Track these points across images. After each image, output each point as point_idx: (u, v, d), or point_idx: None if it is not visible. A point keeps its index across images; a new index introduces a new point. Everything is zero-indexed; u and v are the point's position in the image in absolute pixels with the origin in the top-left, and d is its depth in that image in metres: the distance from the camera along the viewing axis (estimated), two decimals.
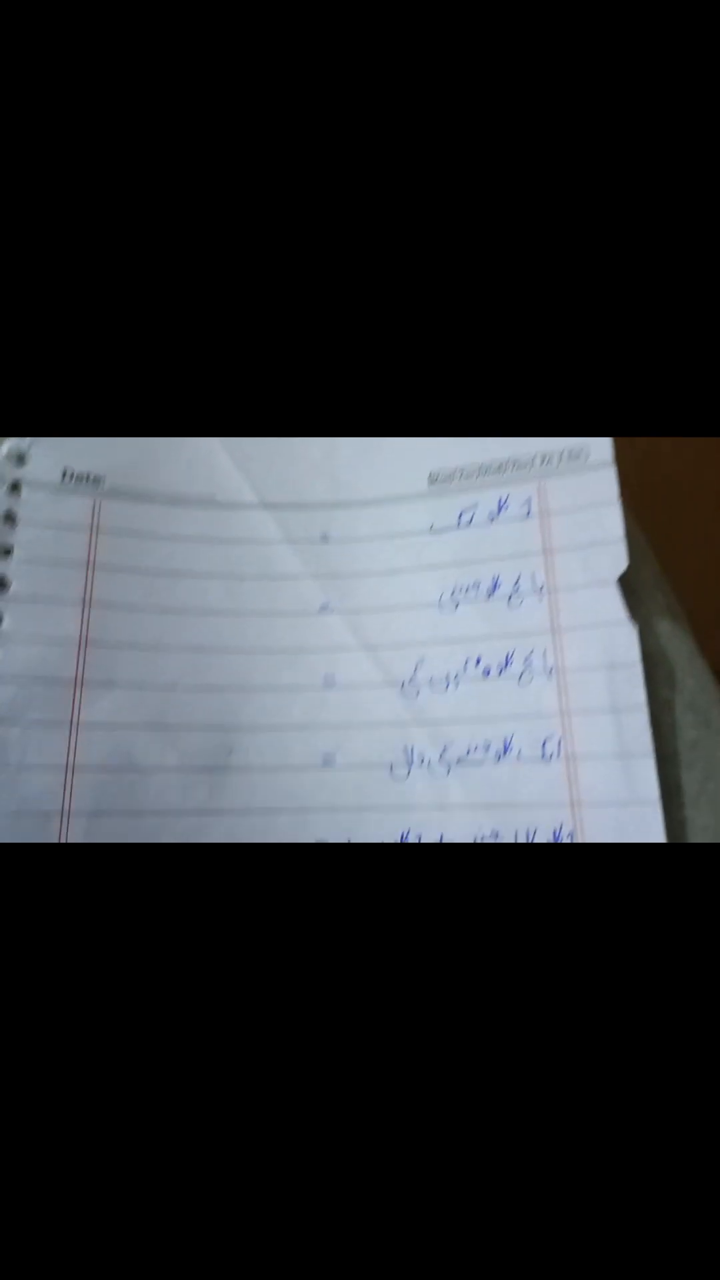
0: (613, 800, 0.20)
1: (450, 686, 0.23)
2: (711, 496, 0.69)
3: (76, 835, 0.21)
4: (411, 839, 0.22)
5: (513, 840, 0.21)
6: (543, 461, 0.24)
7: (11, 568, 0.23)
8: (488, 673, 0.23)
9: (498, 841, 0.21)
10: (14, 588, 0.23)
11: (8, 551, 0.23)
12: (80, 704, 0.22)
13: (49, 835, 0.21)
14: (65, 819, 0.21)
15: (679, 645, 0.24)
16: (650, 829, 0.20)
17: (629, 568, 0.23)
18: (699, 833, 0.21)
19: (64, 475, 0.24)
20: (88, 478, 0.24)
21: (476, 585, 0.24)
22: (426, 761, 0.23)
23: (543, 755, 0.22)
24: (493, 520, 0.24)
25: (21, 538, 0.23)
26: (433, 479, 0.25)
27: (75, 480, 0.24)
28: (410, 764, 0.23)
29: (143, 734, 0.23)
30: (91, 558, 0.24)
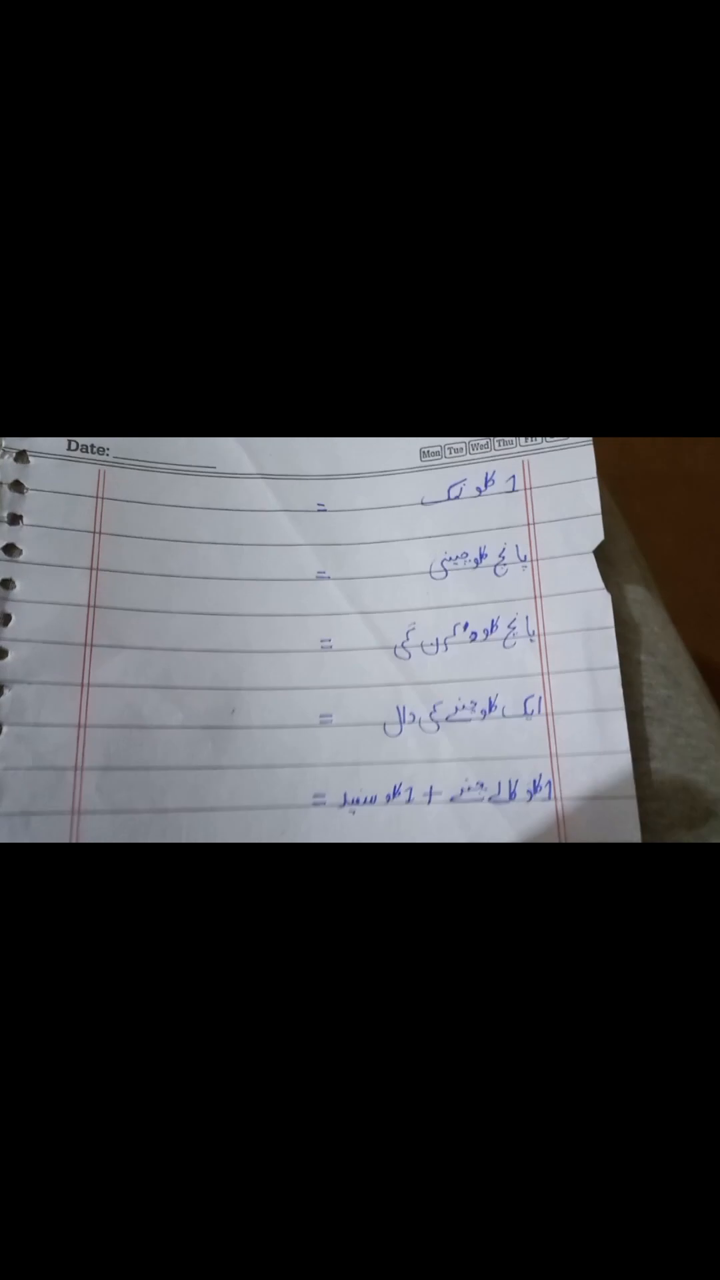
0: (587, 751, 0.22)
1: (440, 649, 0.25)
2: (683, 482, 0.71)
3: (89, 789, 0.23)
4: (403, 791, 0.24)
5: (496, 791, 0.23)
6: (527, 439, 0.26)
7: (22, 534, 0.24)
8: (475, 636, 0.25)
9: (482, 791, 0.23)
10: (25, 553, 0.24)
11: (18, 519, 0.24)
12: (90, 665, 0.23)
13: (64, 788, 0.22)
14: (79, 773, 0.23)
15: (652, 613, 0.26)
16: (621, 777, 0.22)
17: (606, 540, 0.24)
18: (667, 783, 0.23)
19: (70, 445, 0.25)
20: (92, 447, 0.25)
21: (465, 555, 0.25)
22: (417, 719, 0.24)
23: (525, 712, 0.23)
24: (480, 494, 0.26)
25: (30, 505, 0.24)
26: (424, 454, 0.26)
27: (81, 450, 0.25)
28: (402, 721, 0.25)
29: (150, 693, 0.24)
30: (98, 525, 0.25)
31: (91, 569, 0.24)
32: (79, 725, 0.23)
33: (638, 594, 0.25)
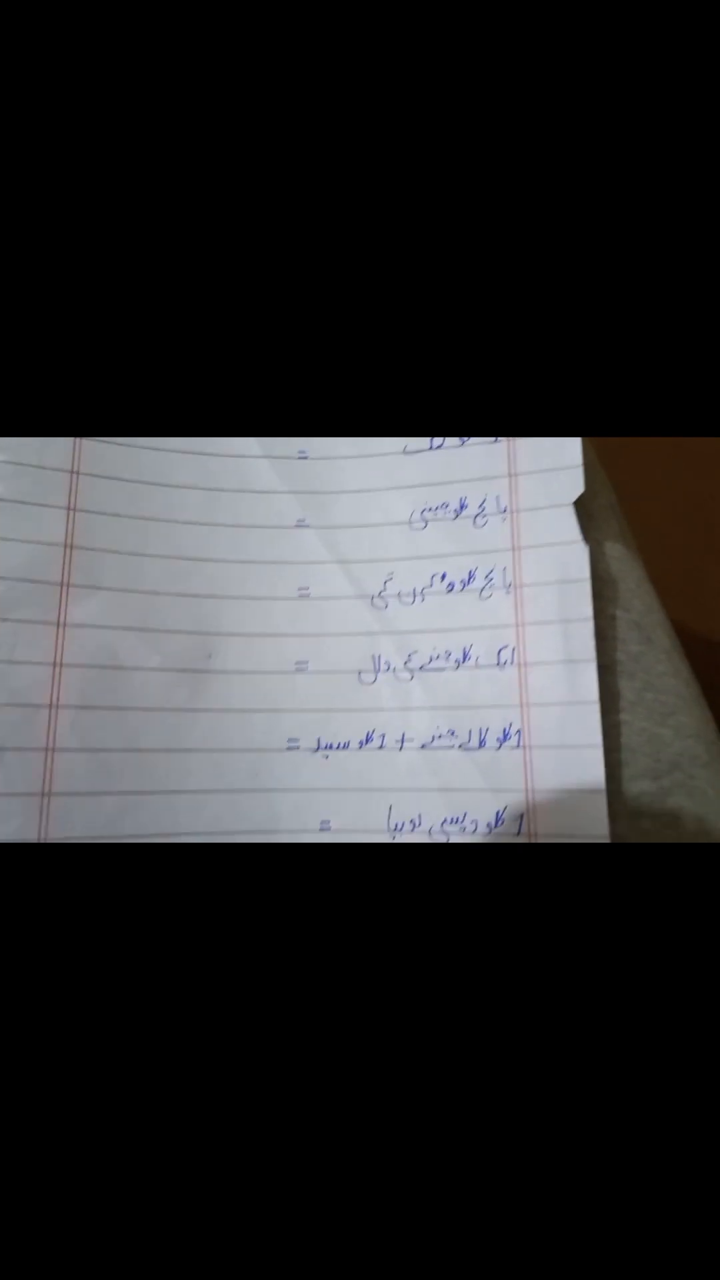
0: (557, 701, 0.23)
1: (417, 600, 0.25)
2: (671, 449, 0.71)
3: (64, 728, 0.23)
4: (375, 738, 0.24)
5: (466, 739, 0.23)
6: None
7: None
8: (452, 587, 0.25)
9: (453, 739, 0.24)
10: (1, 489, 0.24)
11: None
12: (66, 605, 0.23)
13: (38, 727, 0.23)
14: (54, 711, 0.23)
15: (629, 569, 0.26)
16: (588, 727, 0.22)
17: (586, 495, 0.24)
18: (633, 735, 0.23)
19: None
20: None
21: (445, 505, 0.25)
22: (392, 668, 0.25)
23: (498, 662, 0.24)
24: (463, 444, 0.26)
25: (7, 443, 0.24)
26: None
27: None
28: (377, 670, 0.25)
29: (126, 635, 0.24)
30: (76, 465, 0.24)
31: (69, 509, 0.24)
32: (54, 664, 0.23)
33: (615, 550, 0.25)
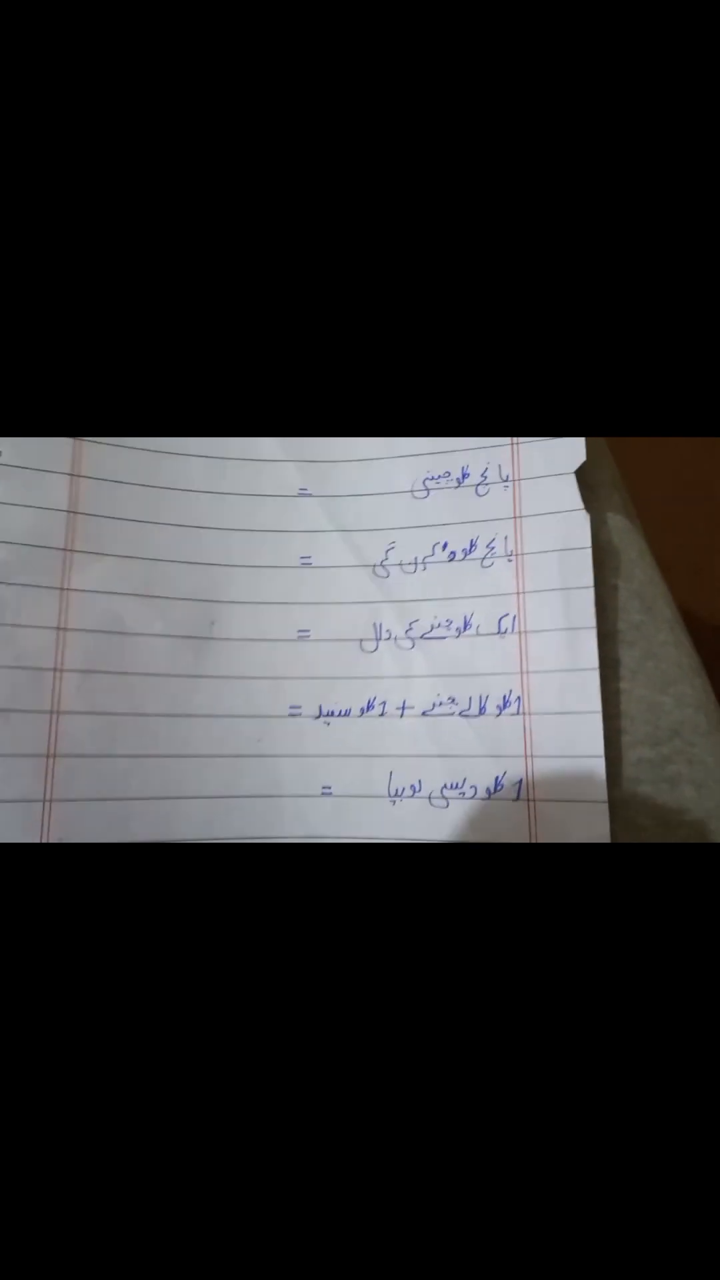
0: (556, 668, 0.23)
1: (418, 569, 0.25)
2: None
3: (69, 691, 0.23)
4: (376, 705, 0.25)
5: (467, 705, 0.24)
6: None
7: (2, 437, 0.24)
8: (453, 556, 0.25)
9: (453, 706, 0.24)
10: (5, 455, 0.24)
11: None
12: (71, 570, 0.24)
13: (44, 690, 0.23)
14: (59, 675, 0.23)
15: (631, 540, 0.26)
16: (588, 694, 0.22)
17: (588, 467, 0.24)
18: (633, 703, 0.23)
19: None
20: None
21: (447, 474, 0.25)
22: (393, 636, 0.25)
23: (499, 630, 0.24)
24: None
25: None
26: None
27: None
28: (379, 639, 0.25)
29: (130, 601, 0.24)
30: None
31: (72, 475, 0.24)
32: (59, 628, 0.23)
33: (618, 522, 0.25)
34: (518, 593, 0.24)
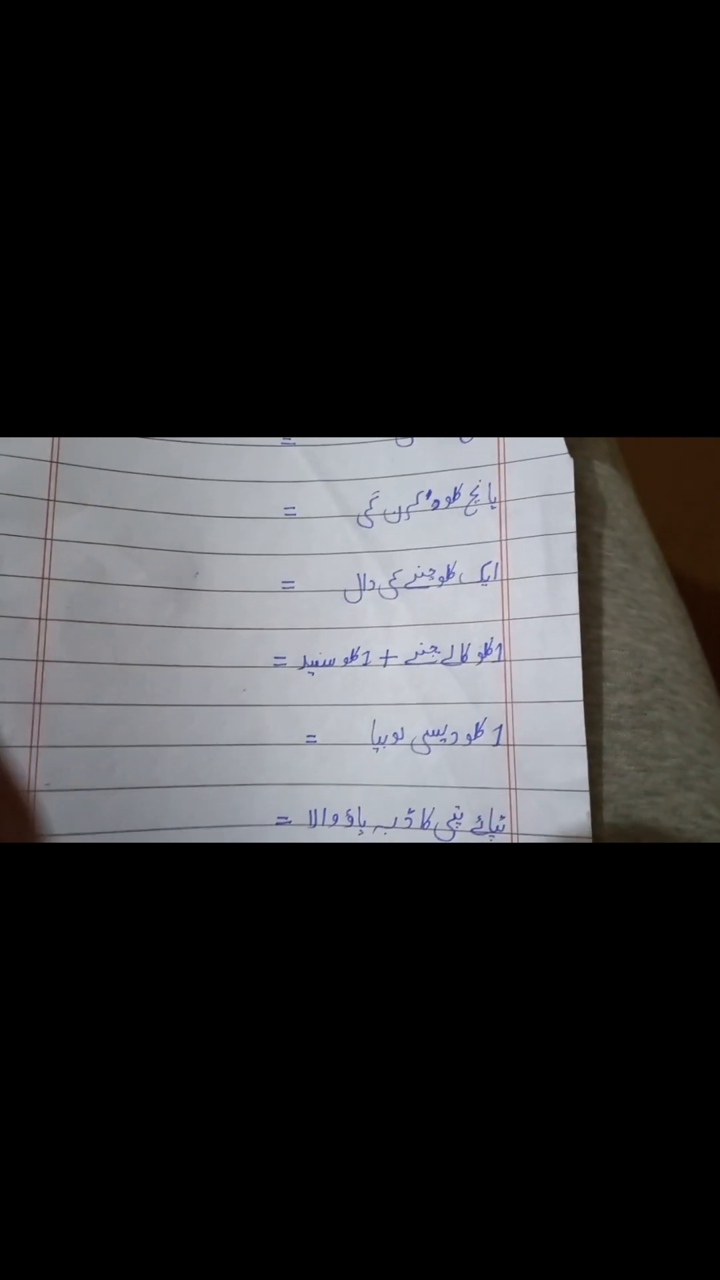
0: (537, 614, 0.23)
1: (402, 518, 0.25)
2: None
3: (53, 639, 0.23)
4: (360, 655, 0.25)
5: (449, 654, 0.24)
6: None
7: None
8: (437, 504, 0.25)
9: (436, 654, 0.24)
10: None
11: None
12: (53, 520, 0.24)
13: (28, 637, 0.23)
14: (43, 624, 0.23)
15: (617, 489, 0.25)
16: (568, 640, 0.22)
17: None
18: (615, 650, 0.23)
19: None
20: None
21: None
22: (377, 586, 0.25)
23: (481, 578, 0.24)
24: None
25: None
26: None
27: None
28: (362, 589, 0.25)
29: (112, 551, 0.24)
30: None
31: None
32: (42, 578, 0.23)
33: (604, 470, 0.25)
34: (501, 540, 0.24)
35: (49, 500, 0.24)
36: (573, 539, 0.23)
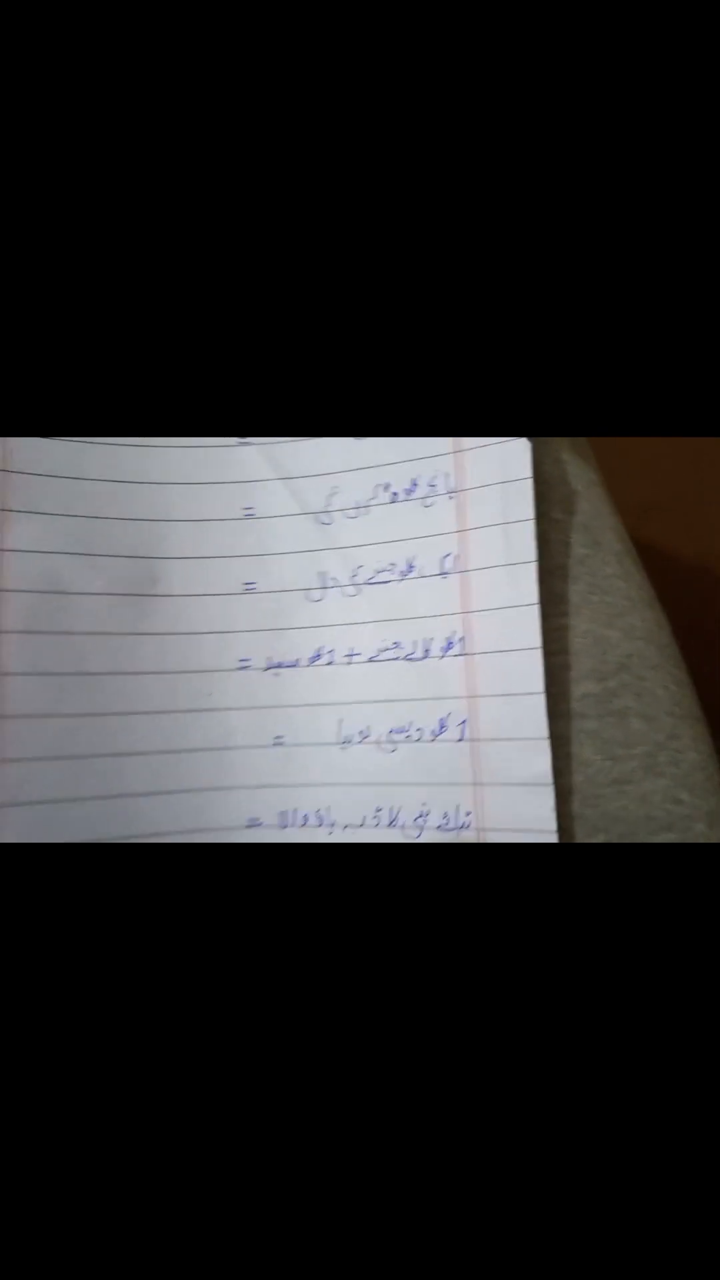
0: (497, 605, 0.22)
1: (361, 513, 0.25)
2: None
3: (11, 652, 0.23)
4: (324, 655, 0.24)
5: (411, 649, 0.23)
6: None
7: None
8: (395, 497, 0.24)
9: (398, 650, 0.24)
10: None
11: None
12: (4, 530, 0.23)
13: None
14: (0, 637, 0.23)
15: (578, 471, 0.25)
16: (528, 630, 0.22)
17: None
18: (578, 638, 0.23)
19: None
20: None
21: None
22: (338, 584, 0.24)
23: (441, 571, 0.23)
24: None
25: None
26: None
27: None
28: (325, 587, 0.25)
29: (68, 560, 0.24)
30: None
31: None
32: None
33: (564, 455, 0.25)
34: (459, 530, 0.23)
35: (0, 510, 0.24)
36: (531, 526, 0.22)
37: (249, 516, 0.25)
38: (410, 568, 0.24)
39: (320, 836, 0.24)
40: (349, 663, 0.24)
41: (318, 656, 0.25)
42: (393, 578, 0.24)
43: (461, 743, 0.22)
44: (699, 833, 0.22)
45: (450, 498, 0.24)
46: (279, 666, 0.25)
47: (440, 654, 0.23)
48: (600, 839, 0.22)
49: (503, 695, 0.22)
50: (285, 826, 0.24)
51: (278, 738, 0.24)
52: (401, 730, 0.23)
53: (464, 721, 0.22)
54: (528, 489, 0.23)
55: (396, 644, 0.24)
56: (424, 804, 0.23)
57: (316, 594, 0.25)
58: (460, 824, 0.22)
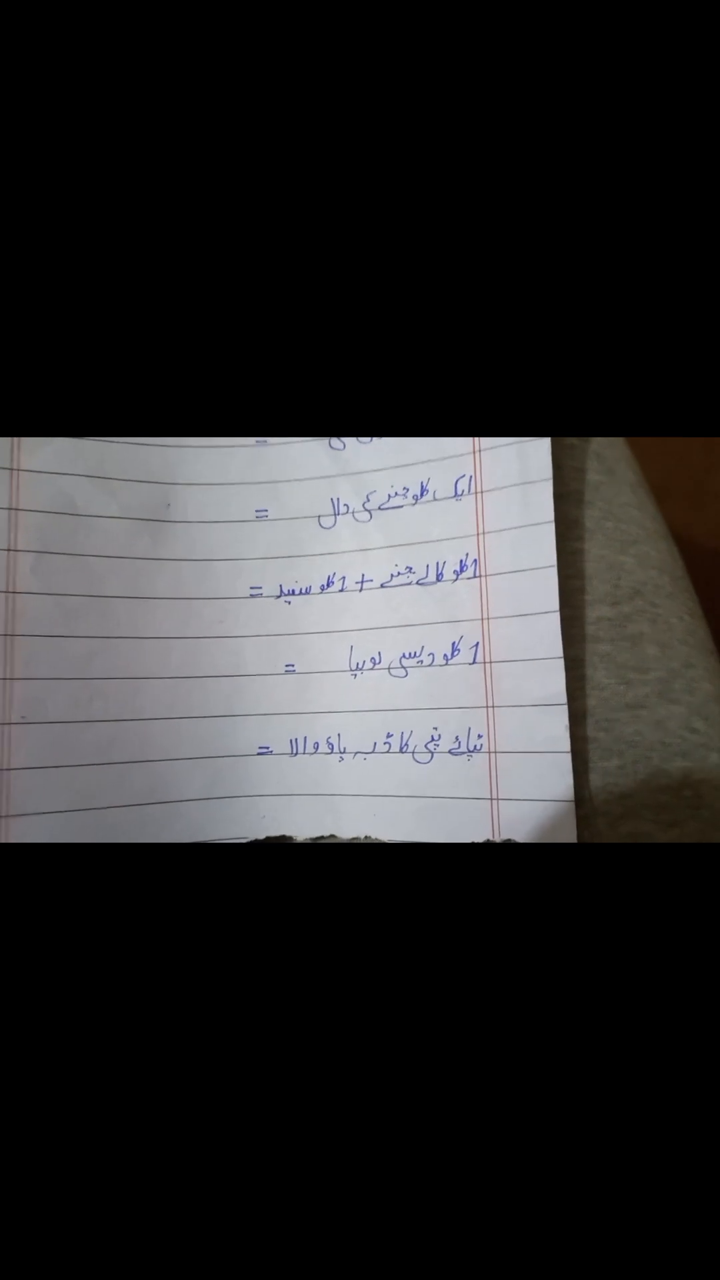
0: (512, 525, 0.22)
1: (374, 438, 0.24)
2: None
3: (25, 571, 0.23)
4: (336, 581, 0.24)
5: (424, 573, 0.23)
6: None
7: None
8: None
9: (411, 575, 0.23)
10: None
11: None
12: (19, 452, 0.23)
13: None
14: (13, 555, 0.23)
15: None
16: (543, 550, 0.22)
17: None
18: (592, 563, 0.23)
19: None
20: None
21: None
22: (350, 510, 0.24)
23: (455, 493, 0.23)
24: None
25: None
26: None
27: None
28: (336, 514, 0.25)
29: (83, 482, 0.24)
30: None
31: None
32: (11, 508, 0.23)
33: None
34: (474, 451, 0.23)
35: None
36: (546, 445, 0.22)
37: (262, 444, 0.25)
38: (424, 490, 0.24)
39: (331, 763, 0.24)
40: (360, 589, 0.24)
41: (329, 583, 0.24)
42: (405, 502, 0.24)
43: (474, 665, 0.22)
44: (714, 763, 0.22)
45: None
46: (291, 594, 0.25)
47: (454, 577, 0.23)
48: (614, 763, 0.22)
49: (517, 616, 0.22)
50: (296, 754, 0.24)
51: (289, 665, 0.24)
52: (413, 655, 0.23)
53: (476, 644, 0.22)
54: None
55: (409, 569, 0.24)
56: (435, 728, 0.23)
57: (329, 520, 0.25)
58: (472, 747, 0.22)
